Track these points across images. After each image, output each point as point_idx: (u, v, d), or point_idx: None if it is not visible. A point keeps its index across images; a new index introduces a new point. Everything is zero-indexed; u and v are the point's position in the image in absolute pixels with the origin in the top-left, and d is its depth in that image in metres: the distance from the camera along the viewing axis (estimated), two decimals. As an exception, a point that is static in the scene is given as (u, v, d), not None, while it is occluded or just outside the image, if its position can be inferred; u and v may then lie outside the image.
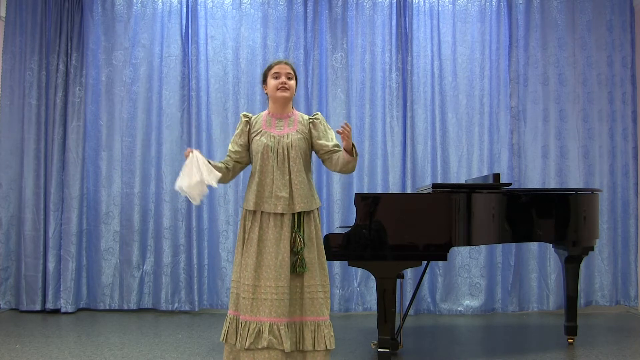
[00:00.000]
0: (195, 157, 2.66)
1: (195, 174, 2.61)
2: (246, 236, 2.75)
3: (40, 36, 4.87)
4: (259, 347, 2.61)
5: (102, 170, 4.86)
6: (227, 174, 2.86)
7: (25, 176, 4.80)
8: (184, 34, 4.91)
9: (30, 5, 4.89)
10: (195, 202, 2.67)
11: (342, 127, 2.65)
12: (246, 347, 2.62)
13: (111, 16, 4.91)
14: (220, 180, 2.75)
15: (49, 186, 4.79)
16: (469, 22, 4.96)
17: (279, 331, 2.63)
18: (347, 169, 2.78)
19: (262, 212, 2.74)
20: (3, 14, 4.91)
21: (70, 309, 4.67)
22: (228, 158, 2.88)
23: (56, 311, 4.71)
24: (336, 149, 2.82)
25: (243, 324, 2.66)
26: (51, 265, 4.71)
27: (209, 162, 2.72)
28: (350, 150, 2.72)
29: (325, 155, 2.84)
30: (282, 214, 2.72)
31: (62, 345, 3.71)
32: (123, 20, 4.91)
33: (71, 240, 4.72)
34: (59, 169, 4.79)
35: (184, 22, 4.92)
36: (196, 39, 4.88)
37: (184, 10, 4.92)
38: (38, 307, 4.70)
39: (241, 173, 3.03)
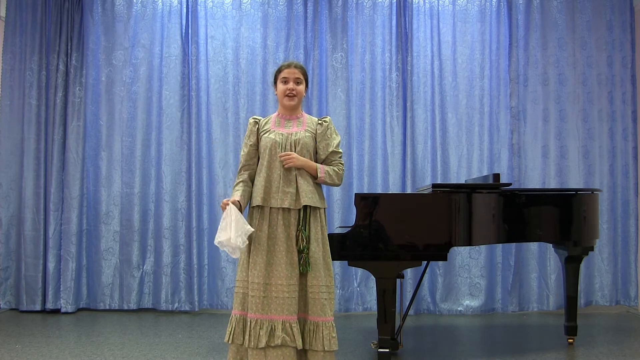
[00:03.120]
0: (229, 212, 2.63)
1: (228, 231, 2.59)
2: (253, 234, 2.74)
3: (40, 36, 4.87)
4: (272, 345, 2.62)
5: (102, 170, 4.86)
6: (251, 189, 2.85)
7: (25, 176, 4.79)
8: (184, 34, 4.91)
9: (30, 5, 4.89)
10: (235, 255, 2.65)
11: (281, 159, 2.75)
12: (260, 346, 2.62)
13: (111, 16, 4.91)
14: (247, 198, 2.82)
15: (49, 186, 4.78)
16: (469, 22, 4.96)
17: (292, 329, 2.65)
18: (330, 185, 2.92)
19: (270, 208, 2.75)
20: (3, 14, 4.91)
21: (70, 309, 4.67)
22: (245, 172, 2.86)
23: (56, 311, 4.71)
24: (330, 158, 2.87)
25: (253, 323, 2.66)
26: (51, 265, 4.71)
27: (240, 205, 2.71)
28: (315, 175, 2.81)
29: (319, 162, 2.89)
30: (289, 210, 2.74)
31: (62, 345, 3.71)
32: (123, 20, 4.91)
33: (71, 240, 4.72)
34: (59, 169, 4.79)
35: (184, 22, 4.92)
36: (196, 39, 4.88)
37: (184, 10, 4.92)
38: (38, 307, 4.70)
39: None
